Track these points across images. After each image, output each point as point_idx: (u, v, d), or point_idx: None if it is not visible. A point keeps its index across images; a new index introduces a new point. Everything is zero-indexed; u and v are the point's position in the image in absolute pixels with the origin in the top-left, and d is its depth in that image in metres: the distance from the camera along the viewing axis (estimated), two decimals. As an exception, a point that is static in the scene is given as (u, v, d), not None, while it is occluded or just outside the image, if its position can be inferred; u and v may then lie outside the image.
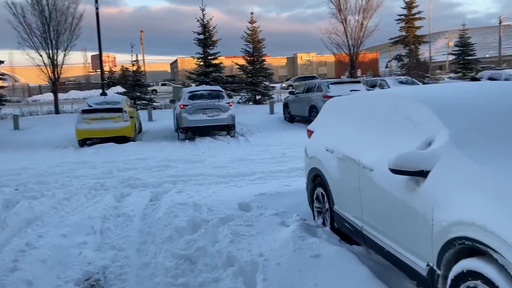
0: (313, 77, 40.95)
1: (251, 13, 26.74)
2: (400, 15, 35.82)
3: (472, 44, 32.42)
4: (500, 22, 52.36)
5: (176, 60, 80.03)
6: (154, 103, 26.10)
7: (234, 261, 4.05)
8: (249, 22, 26.52)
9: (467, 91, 3.71)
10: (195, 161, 10.09)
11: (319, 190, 5.02)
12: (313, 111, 15.96)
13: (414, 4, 35.17)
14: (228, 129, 14.34)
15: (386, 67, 70.83)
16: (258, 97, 26.42)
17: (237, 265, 3.97)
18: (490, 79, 20.02)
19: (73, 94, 42.58)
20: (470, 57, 32.17)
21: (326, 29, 27.43)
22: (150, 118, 19.84)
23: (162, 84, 53.83)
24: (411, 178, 3.14)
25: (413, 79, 18.80)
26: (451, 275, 2.74)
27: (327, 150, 4.67)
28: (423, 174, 3.01)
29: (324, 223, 4.98)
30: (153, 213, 6.08)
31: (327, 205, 4.84)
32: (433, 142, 3.13)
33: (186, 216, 5.47)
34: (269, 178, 7.77)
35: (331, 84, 15.58)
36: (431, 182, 2.96)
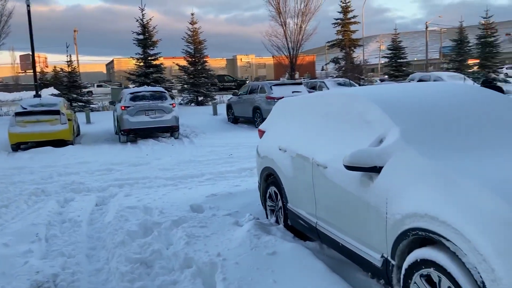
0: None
1: (192, 14, 26.57)
2: (337, 19, 37.11)
3: (403, 47, 34.23)
4: (427, 28, 55.57)
5: (112, 61, 77.59)
6: (91, 105, 25.20)
7: (191, 263, 4.03)
8: (190, 23, 26.34)
9: (413, 91, 3.95)
10: (139, 164, 9.87)
11: (272, 189, 5.10)
12: (257, 112, 16.14)
13: (349, 9, 36.56)
14: (172, 130, 14.15)
15: (322, 69, 72.94)
16: (200, 98, 26.27)
17: (195, 266, 3.95)
18: (420, 81, 21.23)
19: (1, 96, 40.10)
20: (401, 60, 33.93)
21: (266, 32, 27.92)
22: (88, 121, 19.13)
23: (98, 85, 52.05)
24: (365, 174, 3.29)
25: (350, 81, 19.53)
26: (405, 265, 2.91)
27: (280, 149, 4.76)
28: (376, 170, 3.16)
29: (277, 221, 5.07)
30: (101, 218, 5.89)
31: (280, 203, 4.93)
32: (385, 139, 3.29)
33: (137, 219, 5.36)
34: (219, 179, 7.77)
35: (273, 85, 15.83)
36: (384, 177, 3.12)
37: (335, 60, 36.17)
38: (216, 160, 9.94)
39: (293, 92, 15.41)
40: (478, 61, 34.74)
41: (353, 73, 28.61)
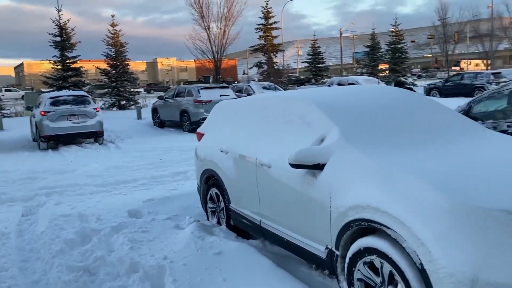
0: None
1: (112, 16, 25.76)
2: (259, 24, 37.92)
3: (322, 53, 35.81)
4: (341, 34, 58.47)
5: (21, 64, 72.77)
6: (3, 111, 23.50)
7: (138, 267, 4.00)
8: (110, 25, 25.51)
9: (348, 94, 4.25)
10: (65, 171, 9.44)
11: (213, 191, 5.18)
12: (185, 115, 16.06)
13: (270, 15, 37.50)
14: (96, 136, 13.64)
15: (244, 73, 73.94)
16: (122, 102, 25.51)
17: (141, 271, 3.93)
18: (339, 84, 22.35)
19: None
20: (320, 65, 35.45)
21: (190, 35, 27.75)
22: (0, 127, 17.85)
23: (6, 90, 48.50)
24: (309, 171, 3.50)
25: (275, 85, 20.09)
26: (349, 254, 3.15)
27: (222, 151, 4.86)
28: (320, 167, 3.39)
29: (219, 222, 5.16)
30: (31, 228, 5.60)
31: (222, 204, 5.02)
32: (326, 138, 3.53)
33: (73, 227, 5.18)
34: (153, 183, 7.68)
35: (201, 89, 15.84)
36: (327, 174, 3.35)
37: (258, 65, 36.92)
38: (146, 165, 9.78)
39: (220, 95, 15.53)
40: (388, 65, 37.20)
41: (276, 77, 29.39)
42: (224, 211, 4.98)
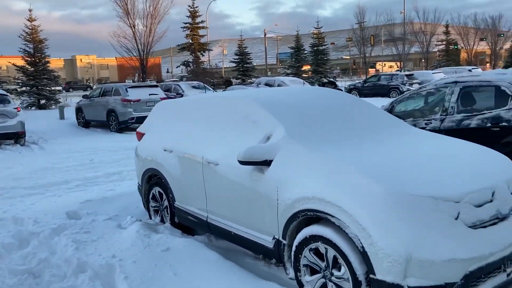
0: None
1: (30, 10, 24.31)
2: (186, 23, 37.61)
3: (249, 53, 36.41)
4: (265, 35, 59.67)
5: None
6: None
7: (85, 267, 3.99)
8: (28, 20, 24.04)
9: (289, 94, 4.53)
10: (-14, 175, 8.89)
11: (156, 189, 5.24)
12: (112, 115, 15.65)
13: (197, 14, 37.39)
14: (17, 137, 12.89)
15: (167, 72, 72.89)
16: (42, 101, 24.18)
17: (90, 270, 3.93)
18: (267, 85, 22.91)
19: None
20: (247, 65, 36.01)
21: (114, 32, 26.92)
22: None
23: None
24: (256, 168, 3.72)
25: (205, 84, 20.17)
26: (296, 242, 3.41)
27: (165, 150, 4.94)
28: (267, 163, 3.62)
29: (162, 220, 5.23)
30: (-42, 235, 5.29)
31: (166, 203, 5.10)
32: (272, 136, 3.77)
33: (9, 231, 4.97)
34: (89, 184, 7.50)
35: (129, 88, 15.53)
36: (274, 169, 3.59)
37: (186, 63, 36.67)
38: (77, 166, 9.48)
39: (150, 94, 15.36)
40: (309, 67, 38.60)
41: (205, 77, 29.42)
42: (168, 209, 5.07)
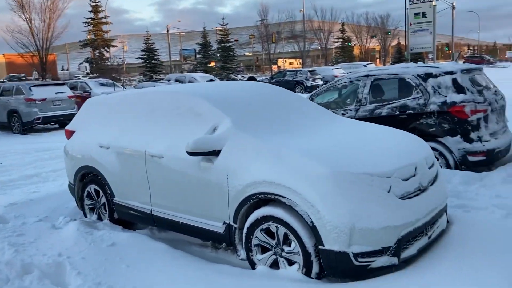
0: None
1: None
2: (88, 18, 35.79)
3: (156, 49, 35.72)
4: (168, 30, 58.81)
5: None
6: None
7: (31, 268, 3.88)
8: None
9: (231, 89, 4.76)
10: None
11: (92, 187, 5.18)
12: (14, 115, 14.63)
13: (100, 9, 35.75)
14: None
15: (63, 69, 68.94)
16: None
17: (36, 270, 3.83)
18: (177, 81, 22.80)
19: None
20: (155, 61, 35.32)
21: (7, 27, 24.87)
22: None
23: None
24: (204, 158, 3.92)
25: (114, 82, 19.52)
26: (247, 224, 3.68)
27: (102, 147, 4.92)
28: (216, 153, 3.84)
29: (100, 218, 5.19)
30: None
31: (103, 200, 5.07)
32: (218, 128, 3.99)
33: None
34: (7, 188, 7.05)
35: (33, 86, 14.60)
36: (223, 158, 3.82)
37: (89, 60, 34.95)
38: (-18, 170, 8.81)
39: (56, 93, 14.61)
40: (213, 64, 38.87)
41: (111, 74, 28.34)
42: (107, 206, 5.05)
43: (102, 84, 18.06)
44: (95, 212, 5.28)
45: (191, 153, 3.84)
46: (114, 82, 19.09)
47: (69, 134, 5.57)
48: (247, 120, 4.00)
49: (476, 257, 3.43)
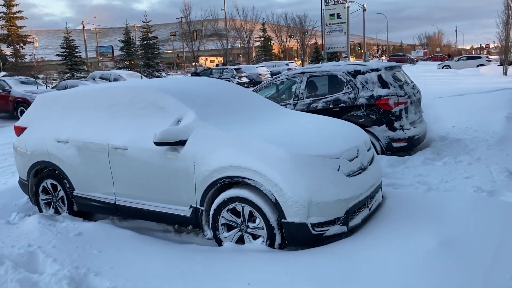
0: None
1: None
2: (0, 13, 33.33)
3: (77, 46, 34.25)
4: (84, 27, 56.49)
5: None
6: None
7: (2, 259, 3.95)
8: None
9: (190, 84, 5.10)
10: None
11: (48, 182, 5.27)
12: None
13: (14, 3, 33.47)
14: None
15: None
16: None
17: (8, 261, 3.93)
18: (102, 78, 22.25)
19: None
20: (76, 59, 33.89)
21: None
22: None
23: None
24: (170, 148, 4.25)
25: (36, 80, 18.64)
26: (214, 206, 4.08)
27: (59, 142, 5.04)
28: (182, 142, 4.19)
29: (57, 211, 5.29)
30: None
31: (61, 193, 5.18)
32: (182, 120, 4.34)
33: None
34: None
35: None
36: (189, 147, 4.18)
37: (3, 57, 32.64)
38: None
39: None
40: (133, 62, 38.07)
41: (31, 71, 26.82)
42: (65, 199, 5.17)
43: (22, 82, 17.23)
44: (51, 207, 5.36)
45: (158, 144, 4.15)
46: (36, 81, 18.25)
47: (20, 130, 5.58)
48: (209, 112, 4.39)
49: (407, 222, 4.13)
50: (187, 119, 4.31)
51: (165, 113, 4.44)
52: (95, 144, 4.78)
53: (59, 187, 5.21)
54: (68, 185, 5.09)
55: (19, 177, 5.64)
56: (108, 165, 4.70)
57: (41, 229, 4.60)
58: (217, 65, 56.17)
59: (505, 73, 27.47)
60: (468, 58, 44.11)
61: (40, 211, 5.43)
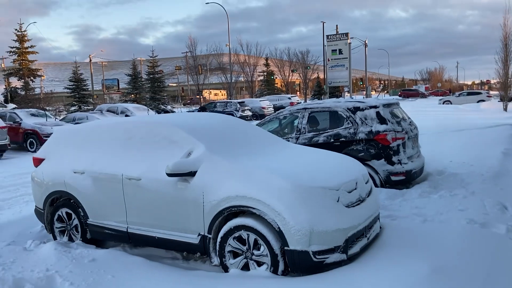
0: None
1: None
2: (13, 47, 34.51)
3: (85, 80, 35.09)
4: (91, 60, 57.83)
5: None
6: None
7: (23, 282, 4.23)
8: None
9: (199, 119, 5.46)
10: None
11: (63, 211, 5.56)
12: None
13: (26, 38, 34.66)
14: None
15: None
16: None
17: (29, 284, 4.20)
18: (109, 111, 22.76)
19: None
20: (84, 92, 34.69)
21: None
22: None
23: None
24: (181, 178, 4.56)
25: (45, 112, 19.16)
26: (221, 234, 4.36)
27: (76, 172, 5.36)
28: (192, 174, 4.51)
29: (71, 239, 5.55)
30: None
31: (76, 222, 5.47)
32: (193, 152, 4.67)
33: None
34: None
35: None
36: (199, 178, 4.49)
37: (13, 90, 33.49)
38: None
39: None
40: (130, 97, 38.72)
41: (39, 104, 27.47)
42: (79, 227, 5.45)
43: (32, 115, 17.74)
44: (65, 234, 5.63)
45: (170, 175, 4.47)
46: (46, 113, 18.77)
47: (38, 161, 5.92)
48: (218, 145, 4.73)
49: (403, 251, 4.38)
50: (197, 151, 4.63)
51: (177, 146, 4.78)
52: (110, 175, 5.10)
53: (73, 216, 5.49)
54: (82, 214, 5.38)
55: (36, 205, 5.94)
56: (122, 194, 5.00)
57: (57, 255, 4.86)
58: (203, 97, 56.39)
59: (505, 109, 27.93)
60: (469, 93, 44.86)
61: (55, 238, 5.69)
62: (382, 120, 7.06)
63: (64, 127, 6.04)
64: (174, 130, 4.91)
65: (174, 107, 42.33)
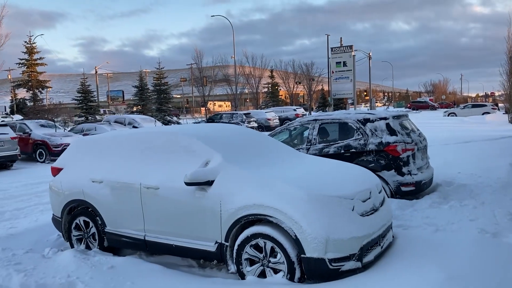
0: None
1: None
2: (22, 59, 34.96)
3: (92, 91, 35.47)
4: (96, 72, 58.29)
5: None
6: None
7: (45, 288, 4.36)
8: None
9: (217, 129, 5.60)
10: None
11: (81, 219, 5.68)
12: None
13: (35, 50, 35.13)
14: None
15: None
16: None
17: (51, 290, 4.33)
18: (116, 122, 23.00)
19: None
20: (91, 103, 35.07)
21: None
22: None
23: None
24: (199, 187, 4.68)
25: (54, 123, 19.39)
26: (238, 242, 4.46)
27: (94, 182, 5.49)
28: (210, 183, 4.63)
29: (88, 247, 5.66)
30: None
31: (93, 230, 5.58)
32: (210, 162, 4.79)
33: None
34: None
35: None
36: (216, 187, 4.61)
37: (22, 101, 33.90)
38: None
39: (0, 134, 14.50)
40: (136, 108, 38.96)
41: (47, 115, 27.76)
42: (97, 235, 5.56)
43: (42, 126, 17.94)
44: (82, 242, 5.74)
45: (188, 183, 4.59)
46: (55, 124, 19.00)
47: (56, 171, 6.06)
48: (234, 155, 4.86)
49: (416, 259, 4.47)
50: (215, 161, 4.76)
51: (195, 156, 4.90)
52: (128, 184, 5.22)
53: (91, 224, 5.61)
54: (100, 222, 5.49)
55: (53, 214, 6.06)
56: (140, 203, 5.12)
57: (77, 262, 4.96)
58: (208, 109, 57.07)
59: (510, 121, 27.99)
60: (474, 106, 44.95)
61: (72, 246, 5.80)
62: (392, 131, 7.17)
63: (83, 138, 6.18)
64: (192, 140, 5.04)
65: (180, 118, 42.68)
